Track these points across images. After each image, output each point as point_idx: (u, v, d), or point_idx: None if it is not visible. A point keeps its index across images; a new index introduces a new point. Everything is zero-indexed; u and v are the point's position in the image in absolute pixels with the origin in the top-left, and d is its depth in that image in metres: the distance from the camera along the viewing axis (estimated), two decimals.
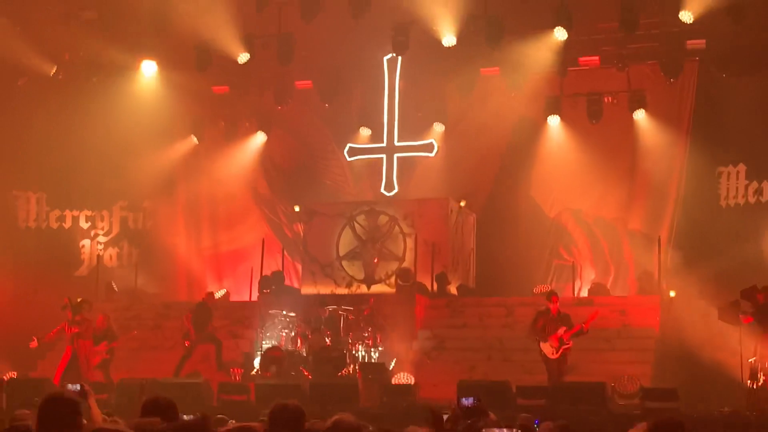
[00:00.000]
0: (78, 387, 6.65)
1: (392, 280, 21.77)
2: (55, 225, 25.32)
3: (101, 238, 25.66)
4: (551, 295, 17.03)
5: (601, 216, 23.33)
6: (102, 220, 25.71)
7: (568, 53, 22.27)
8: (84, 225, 25.58)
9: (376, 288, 22.10)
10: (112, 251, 25.65)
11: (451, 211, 22.67)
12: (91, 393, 6.79)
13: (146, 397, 6.74)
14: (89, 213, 25.61)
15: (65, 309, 18.51)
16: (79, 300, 18.50)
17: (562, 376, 16.54)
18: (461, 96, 23.58)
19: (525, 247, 23.51)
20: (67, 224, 25.45)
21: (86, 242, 25.58)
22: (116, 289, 23.80)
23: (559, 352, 16.37)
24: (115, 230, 25.74)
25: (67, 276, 24.72)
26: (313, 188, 25.17)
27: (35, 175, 24.91)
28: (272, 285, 22.15)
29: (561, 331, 16.39)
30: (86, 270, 25.32)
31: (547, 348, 16.46)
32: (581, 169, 23.17)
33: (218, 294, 24.14)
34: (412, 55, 22.67)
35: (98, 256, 25.16)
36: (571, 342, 16.42)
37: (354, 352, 18.79)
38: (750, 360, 16.71)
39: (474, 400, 9.43)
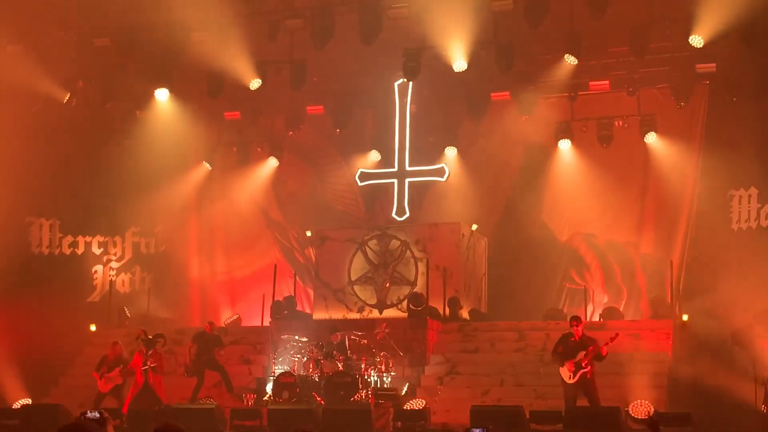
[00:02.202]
0: (97, 414, 6.69)
1: (404, 304, 21.75)
2: (67, 251, 25.36)
3: (114, 264, 25.70)
4: (572, 320, 16.86)
5: (613, 240, 23.34)
6: (114, 245, 25.76)
7: (578, 77, 22.39)
8: (96, 251, 25.62)
9: (388, 313, 22.09)
10: (124, 277, 25.71)
11: (463, 235, 22.68)
12: (110, 420, 6.83)
13: (157, 424, 6.77)
14: (102, 239, 25.67)
15: (138, 340, 18.47)
16: (152, 336, 18.38)
17: (597, 400, 16.39)
18: (472, 121, 23.63)
19: (537, 272, 23.50)
20: (80, 250, 25.49)
21: (99, 268, 25.63)
22: (129, 314, 23.84)
23: (576, 377, 16.31)
24: (128, 256, 25.79)
25: (79, 302, 24.78)
26: (324, 213, 25.26)
27: (48, 202, 24.98)
28: (284, 310, 22.18)
29: (580, 355, 16.34)
30: (99, 296, 25.37)
31: (564, 372, 16.44)
32: (592, 193, 23.23)
33: (229, 319, 24.20)
34: (423, 80, 22.73)
35: (111, 281, 25.24)
36: (588, 367, 16.32)
37: (366, 377, 18.73)
38: (764, 384, 16.65)
39: (483, 431, 9.48)
